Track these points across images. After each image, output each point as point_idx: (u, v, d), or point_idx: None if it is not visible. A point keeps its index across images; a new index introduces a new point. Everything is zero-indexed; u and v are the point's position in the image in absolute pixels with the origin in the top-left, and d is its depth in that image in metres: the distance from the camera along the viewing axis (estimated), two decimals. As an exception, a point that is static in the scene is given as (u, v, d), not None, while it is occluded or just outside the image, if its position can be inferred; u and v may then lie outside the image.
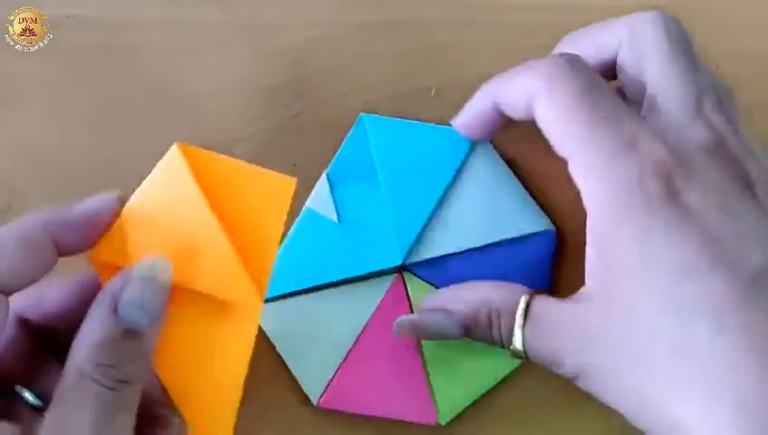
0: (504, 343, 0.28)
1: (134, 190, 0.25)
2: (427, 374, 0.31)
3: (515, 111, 0.28)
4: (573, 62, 0.27)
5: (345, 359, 0.30)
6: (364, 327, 0.31)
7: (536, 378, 0.31)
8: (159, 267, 0.24)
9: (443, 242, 0.31)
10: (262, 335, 0.30)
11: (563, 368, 0.26)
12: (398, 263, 0.31)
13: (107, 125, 0.32)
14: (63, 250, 0.24)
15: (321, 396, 0.30)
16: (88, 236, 0.25)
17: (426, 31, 0.33)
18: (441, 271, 0.31)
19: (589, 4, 0.34)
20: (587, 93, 0.26)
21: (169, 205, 0.25)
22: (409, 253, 0.31)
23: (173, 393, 0.26)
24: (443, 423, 0.31)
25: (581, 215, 0.26)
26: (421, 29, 0.33)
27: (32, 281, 0.24)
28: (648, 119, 0.26)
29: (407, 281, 0.31)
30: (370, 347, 0.31)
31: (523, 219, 0.31)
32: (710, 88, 0.27)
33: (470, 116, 0.30)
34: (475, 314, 0.28)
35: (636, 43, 0.27)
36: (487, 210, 0.31)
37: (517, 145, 0.32)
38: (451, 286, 0.30)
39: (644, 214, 0.24)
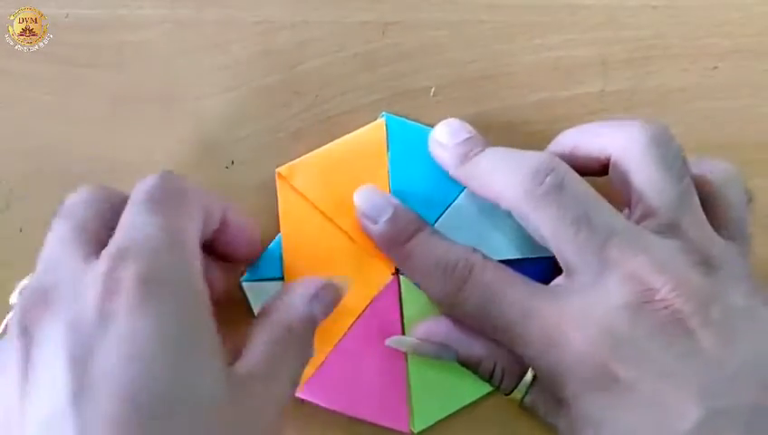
0: (501, 391, 0.29)
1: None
2: (408, 380, 0.30)
3: (481, 190, 0.29)
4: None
5: (329, 353, 0.30)
6: (352, 324, 0.30)
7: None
8: (344, 288, 0.29)
9: None
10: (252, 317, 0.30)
11: None
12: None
13: (106, 125, 0.32)
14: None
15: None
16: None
17: (425, 31, 0.33)
18: None
19: (587, 3, 0.34)
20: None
21: (360, 161, 0.31)
22: None
23: None
24: (415, 432, 0.30)
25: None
26: (420, 29, 0.33)
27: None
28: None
29: (401, 283, 0.31)
30: (356, 345, 0.30)
31: (524, 243, 0.30)
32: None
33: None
34: (479, 362, 0.29)
35: (626, 154, 0.28)
36: (490, 229, 0.31)
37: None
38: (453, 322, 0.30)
39: (588, 394, 0.25)
